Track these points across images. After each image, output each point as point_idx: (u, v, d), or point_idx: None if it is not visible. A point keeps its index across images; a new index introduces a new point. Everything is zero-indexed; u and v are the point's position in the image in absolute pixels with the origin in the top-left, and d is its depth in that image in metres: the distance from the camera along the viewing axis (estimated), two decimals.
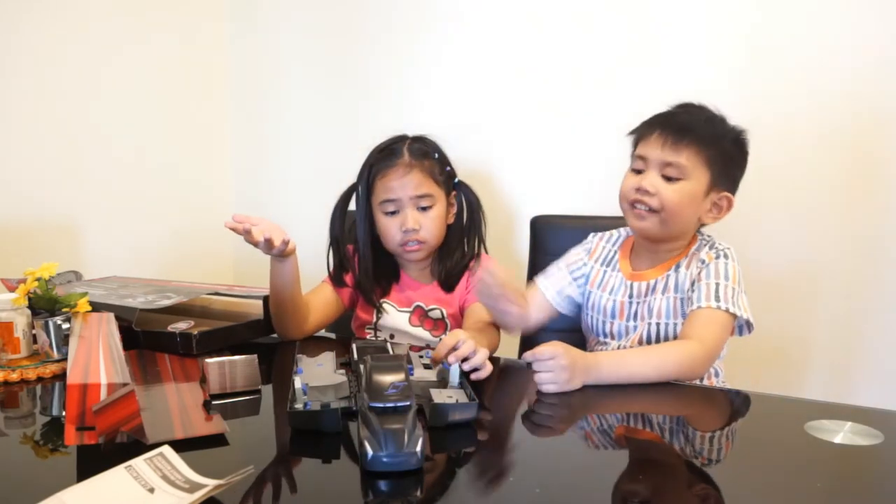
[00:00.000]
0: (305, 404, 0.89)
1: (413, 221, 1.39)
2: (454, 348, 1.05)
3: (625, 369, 1.08)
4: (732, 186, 1.24)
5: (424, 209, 1.40)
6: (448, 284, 1.44)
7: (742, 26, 1.58)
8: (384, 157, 1.42)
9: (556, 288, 1.32)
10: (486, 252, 1.49)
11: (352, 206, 1.48)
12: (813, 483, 0.78)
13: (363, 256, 1.45)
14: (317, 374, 1.01)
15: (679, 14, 1.64)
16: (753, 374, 1.64)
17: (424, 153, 1.42)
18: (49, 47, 1.84)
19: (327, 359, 1.10)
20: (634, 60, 1.69)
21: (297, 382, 0.92)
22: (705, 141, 1.19)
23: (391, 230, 1.41)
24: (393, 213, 1.40)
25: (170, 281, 1.57)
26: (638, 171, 1.24)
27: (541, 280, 1.34)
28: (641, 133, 1.25)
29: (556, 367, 1.03)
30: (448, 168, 1.46)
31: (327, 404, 0.89)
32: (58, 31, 1.86)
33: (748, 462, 0.85)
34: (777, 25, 1.55)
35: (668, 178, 1.20)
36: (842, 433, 0.88)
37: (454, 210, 1.47)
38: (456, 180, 1.47)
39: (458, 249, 1.46)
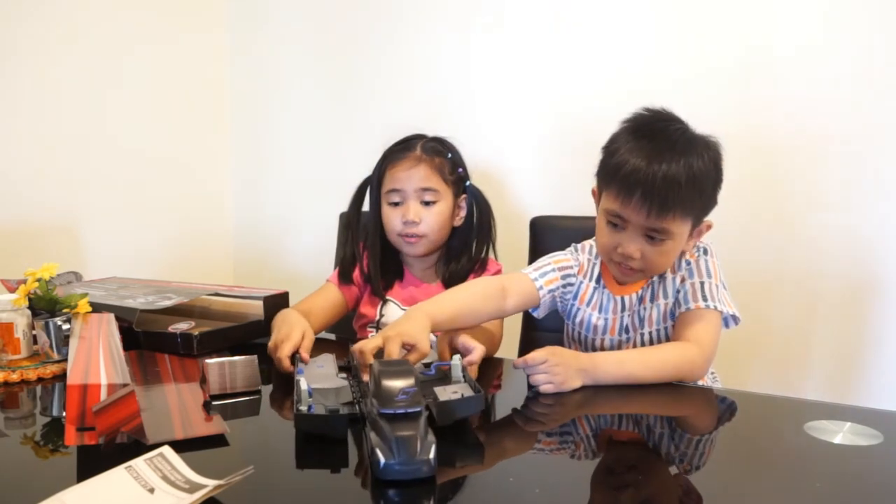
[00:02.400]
0: (310, 407, 0.88)
1: (414, 213, 1.40)
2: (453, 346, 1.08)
3: (624, 371, 1.08)
4: (711, 208, 1.20)
5: (428, 204, 1.41)
6: (451, 286, 1.44)
7: (738, 32, 1.58)
8: (398, 149, 1.46)
9: (548, 287, 1.28)
10: (496, 258, 1.49)
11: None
12: (812, 483, 0.79)
13: (372, 246, 1.47)
14: (318, 376, 1.01)
15: (682, 16, 1.64)
16: (753, 374, 1.65)
17: (437, 151, 1.45)
18: (51, 49, 1.85)
19: (327, 361, 1.09)
20: (636, 60, 1.69)
21: (303, 384, 0.90)
22: (690, 202, 1.13)
23: (392, 220, 1.43)
24: (397, 203, 1.42)
25: (170, 282, 1.57)
26: (615, 226, 1.17)
27: (535, 275, 1.28)
28: (618, 189, 1.13)
29: (548, 370, 1.04)
30: (460, 170, 1.47)
31: (335, 410, 0.88)
32: (59, 33, 1.86)
33: (748, 462, 0.85)
34: (774, 31, 1.55)
35: (653, 238, 1.14)
36: (841, 433, 0.88)
37: (463, 213, 1.47)
38: (467, 184, 1.48)
39: (465, 253, 1.47)
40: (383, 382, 0.79)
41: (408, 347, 1.03)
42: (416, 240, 1.42)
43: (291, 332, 1.17)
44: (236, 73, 2.32)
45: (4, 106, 1.78)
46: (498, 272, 1.46)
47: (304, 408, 0.87)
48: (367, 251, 1.48)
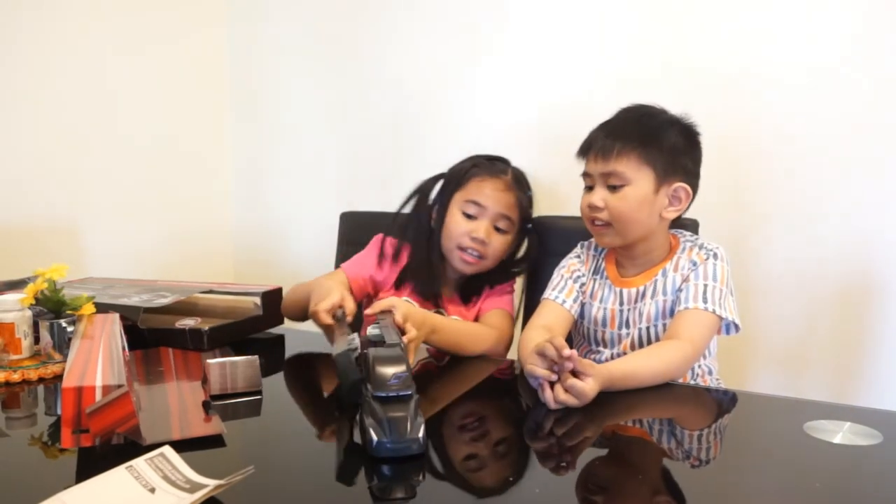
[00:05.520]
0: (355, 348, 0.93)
1: (486, 233, 1.37)
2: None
3: (635, 380, 1.07)
4: (686, 176, 1.23)
5: (500, 230, 1.39)
6: (467, 297, 1.44)
7: (736, 31, 1.59)
8: (491, 164, 1.43)
9: (571, 297, 1.31)
10: (525, 290, 1.50)
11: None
12: (812, 483, 0.79)
13: (434, 245, 1.42)
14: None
15: (682, 19, 1.64)
16: (753, 374, 1.65)
17: (522, 185, 1.43)
18: (50, 49, 1.85)
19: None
20: (638, 62, 1.69)
21: (352, 336, 0.96)
22: (637, 141, 1.20)
23: (459, 229, 1.38)
24: (471, 216, 1.39)
25: (155, 280, 1.57)
26: (589, 189, 1.26)
27: (555, 294, 1.31)
28: (582, 151, 1.27)
29: (584, 398, 0.99)
30: (529, 210, 1.45)
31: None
32: (58, 32, 1.86)
33: (747, 462, 0.85)
34: (771, 30, 1.55)
35: (613, 188, 1.21)
36: (841, 433, 0.88)
37: (512, 247, 1.45)
38: (528, 225, 1.47)
39: (491, 277, 1.44)
40: (377, 368, 0.85)
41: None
42: (475, 261, 1.38)
43: (332, 293, 1.18)
44: (236, 72, 2.32)
45: (4, 106, 1.78)
46: (511, 284, 1.47)
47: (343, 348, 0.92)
48: (426, 248, 1.42)
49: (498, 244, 1.39)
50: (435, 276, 1.42)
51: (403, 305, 1.15)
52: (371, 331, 1.02)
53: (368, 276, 1.44)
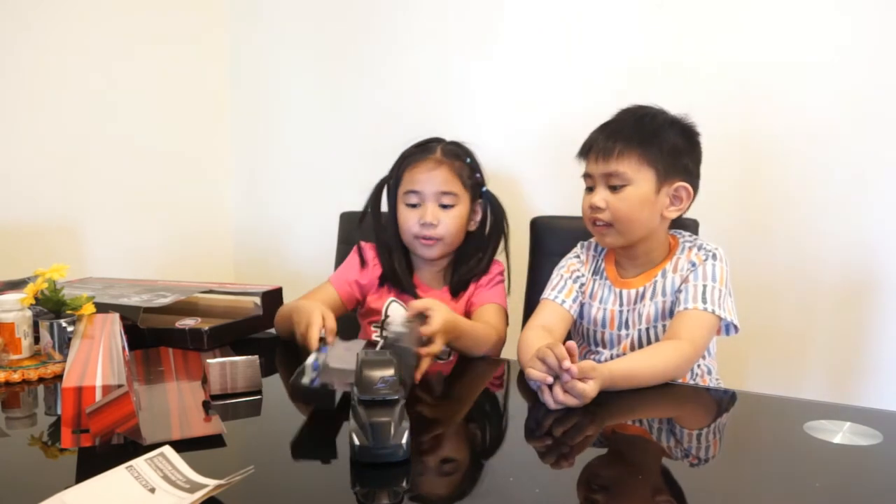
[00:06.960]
0: (313, 381, 0.93)
1: (432, 216, 1.39)
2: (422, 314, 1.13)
3: (635, 380, 1.08)
4: (687, 176, 1.24)
5: (446, 207, 1.41)
6: (455, 290, 1.45)
7: (736, 34, 1.59)
8: (418, 150, 1.45)
9: (571, 297, 1.31)
10: (508, 257, 1.50)
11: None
12: (812, 483, 0.79)
13: (395, 245, 1.46)
14: (340, 357, 1.03)
15: (682, 20, 1.64)
16: (753, 374, 1.65)
17: (456, 154, 1.44)
18: (51, 49, 1.85)
19: (357, 346, 1.12)
20: (637, 62, 1.69)
21: (311, 358, 0.96)
22: (637, 142, 1.20)
23: (409, 221, 1.42)
24: (414, 205, 1.42)
25: (155, 280, 1.57)
26: (590, 189, 1.27)
27: (554, 294, 1.31)
28: (583, 152, 1.28)
29: (583, 399, 0.99)
30: (477, 175, 1.46)
31: (326, 385, 0.94)
32: (60, 32, 1.86)
33: (747, 462, 0.85)
34: (771, 33, 1.56)
35: (614, 188, 1.22)
36: (841, 433, 0.88)
37: (478, 217, 1.47)
38: (484, 189, 1.47)
39: (475, 257, 1.46)
40: (364, 372, 0.83)
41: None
42: (433, 242, 1.41)
43: (311, 318, 1.18)
44: (236, 72, 2.32)
45: (4, 106, 1.78)
46: (501, 273, 1.47)
47: (306, 381, 0.93)
48: (391, 250, 1.47)
49: (450, 220, 1.41)
50: (399, 278, 1.45)
51: (443, 316, 1.14)
52: (393, 332, 1.02)
53: (354, 281, 1.49)
